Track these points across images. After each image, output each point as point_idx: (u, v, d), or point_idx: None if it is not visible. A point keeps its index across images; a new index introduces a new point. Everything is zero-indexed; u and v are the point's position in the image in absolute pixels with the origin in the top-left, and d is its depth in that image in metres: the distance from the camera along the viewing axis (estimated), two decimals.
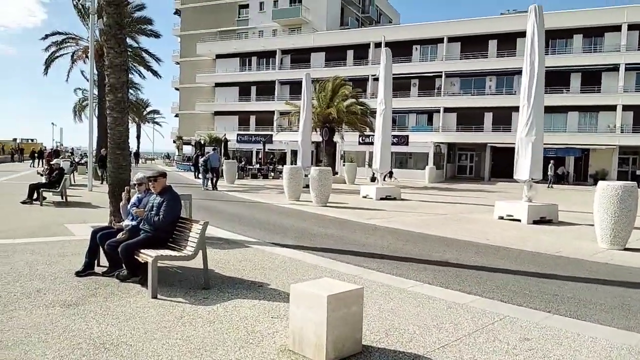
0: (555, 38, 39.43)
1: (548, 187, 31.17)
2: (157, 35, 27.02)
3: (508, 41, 40.41)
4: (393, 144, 38.26)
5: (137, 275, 5.91)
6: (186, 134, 54.87)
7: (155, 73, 28.80)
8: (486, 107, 41.03)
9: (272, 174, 32.72)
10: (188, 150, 53.21)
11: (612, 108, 36.87)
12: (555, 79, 38.99)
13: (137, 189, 6.73)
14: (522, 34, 39.90)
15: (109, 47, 9.50)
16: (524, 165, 13.20)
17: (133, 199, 6.68)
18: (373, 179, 33.42)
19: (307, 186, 19.20)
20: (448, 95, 42.48)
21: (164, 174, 6.39)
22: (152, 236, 5.92)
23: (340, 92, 29.95)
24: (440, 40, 42.50)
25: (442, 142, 41.48)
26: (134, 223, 6.23)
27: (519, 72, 40.48)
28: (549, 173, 32.53)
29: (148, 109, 67.69)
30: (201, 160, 24.41)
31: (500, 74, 41.06)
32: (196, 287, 5.76)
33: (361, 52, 45.71)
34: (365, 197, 18.89)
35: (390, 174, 32.15)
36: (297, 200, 17.32)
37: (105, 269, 6.21)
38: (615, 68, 36.69)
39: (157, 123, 70.19)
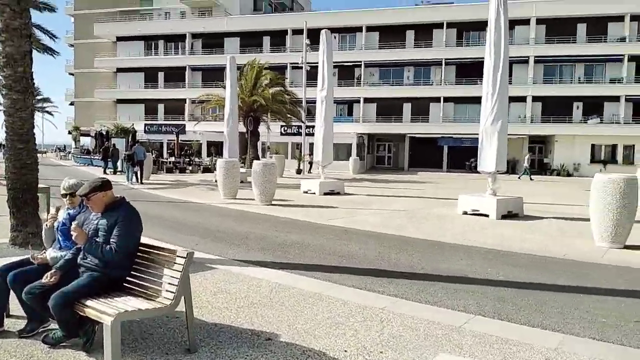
0: (468, 30, 40.43)
1: (519, 178, 31.65)
2: (51, 8, 23.08)
3: (425, 32, 40.74)
4: (313, 134, 37.26)
5: (77, 336, 3.83)
6: (84, 124, 49.47)
7: (51, 51, 24.70)
8: (405, 98, 41.16)
9: (190, 167, 29.95)
10: (87, 142, 48.02)
11: (523, 99, 38.53)
12: (472, 71, 40.08)
13: (66, 201, 4.58)
14: (438, 25, 40.73)
15: (3, 4, 6.98)
16: (489, 156, 12.38)
17: (60, 217, 4.53)
18: (299, 172, 31.95)
19: (241, 182, 17.28)
20: (368, 86, 42.02)
21: (106, 184, 4.26)
22: (100, 276, 3.87)
23: (264, 79, 27.94)
24: (359, 29, 41.82)
25: (363, 133, 41.02)
26: (64, 254, 4.13)
27: (435, 63, 41.25)
28: (525, 165, 33.11)
29: (38, 97, 60.23)
30: (125, 153, 21.57)
31: (418, 65, 41.35)
32: (176, 351, 3.83)
33: (278, 38, 43.77)
34: (307, 192, 17.30)
35: (310, 164, 30.88)
36: (234, 198, 15.29)
37: (19, 322, 4.03)
38: (525, 60, 38.31)
39: (49, 112, 62.88)
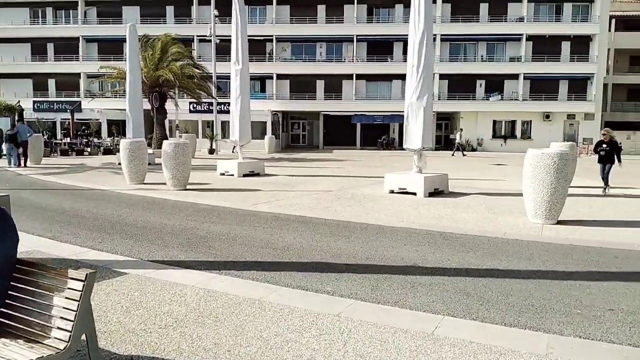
0: (378, 7, 40.45)
1: (453, 155, 31.68)
2: None
3: (336, 7, 40.11)
4: (225, 112, 35.53)
5: None
6: None
7: None
8: (318, 75, 40.49)
9: (89, 149, 27.15)
10: None
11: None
12: (383, 48, 40.28)
13: None
14: (349, 1, 40.29)
15: None
16: (415, 132, 12.03)
17: None
18: (211, 151, 30.31)
19: (149, 164, 15.71)
20: (280, 61, 40.75)
21: None
22: None
23: (172, 52, 25.77)
24: (269, 1, 40.20)
25: (278, 111, 39.93)
26: None
27: (347, 39, 40.89)
28: (457, 141, 33.07)
29: None
30: (6, 133, 18.90)
31: (330, 41, 40.74)
32: None
33: (183, 9, 40.89)
34: (224, 174, 16.09)
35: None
36: (142, 183, 13.75)
37: None
38: (433, 38, 39.10)
39: None
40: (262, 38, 39.36)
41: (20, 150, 18.63)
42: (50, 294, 2.81)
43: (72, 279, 2.77)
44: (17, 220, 7.72)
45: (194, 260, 5.97)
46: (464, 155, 31.77)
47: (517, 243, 7.09)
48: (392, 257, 6.17)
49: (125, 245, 6.69)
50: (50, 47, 42.01)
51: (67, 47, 41.45)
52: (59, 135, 34.85)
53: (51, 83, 42.19)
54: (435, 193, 11.92)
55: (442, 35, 38.70)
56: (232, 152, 28.51)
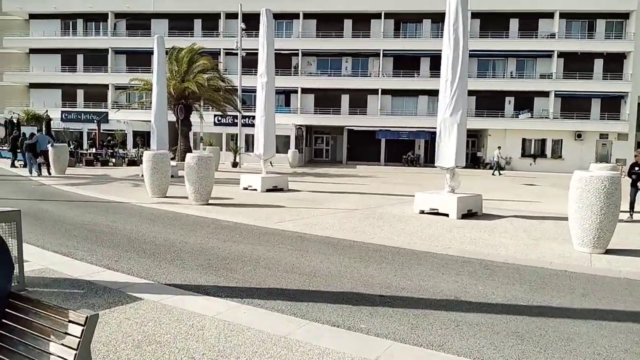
0: (405, 21, 40.08)
1: (493, 174, 31.09)
2: None
3: (363, 21, 39.92)
4: (250, 125, 35.42)
5: None
6: None
7: None
8: (343, 89, 40.19)
9: (114, 160, 27.22)
10: None
11: None
12: (409, 63, 39.82)
13: None
14: (376, 15, 40.02)
15: None
16: (448, 150, 11.47)
17: None
18: (235, 165, 30.12)
19: (172, 176, 15.48)
20: (305, 75, 40.62)
21: None
22: None
23: (199, 64, 25.76)
24: (296, 15, 40.25)
25: (301, 125, 39.70)
26: None
27: (373, 54, 40.56)
28: (495, 160, 32.36)
29: None
30: (25, 142, 19.08)
31: (355, 55, 40.47)
32: None
33: (210, 22, 41.25)
34: (247, 188, 15.72)
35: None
36: (163, 196, 13.45)
37: None
38: None
39: None
40: (287, 52, 39.34)
41: (40, 159, 18.72)
42: (45, 337, 2.36)
43: (70, 322, 2.33)
44: (34, 233, 7.43)
45: (214, 285, 5.52)
46: (500, 174, 30.87)
47: (567, 275, 6.45)
48: (430, 289, 5.61)
49: (142, 266, 6.29)
50: (79, 58, 42.78)
51: (96, 59, 42.15)
52: (85, 146, 35.18)
53: (80, 94, 42.87)
54: (468, 215, 11.30)
55: (470, 50, 37.97)
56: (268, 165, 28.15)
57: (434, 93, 39.42)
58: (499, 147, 34.04)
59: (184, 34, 39.67)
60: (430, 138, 40.01)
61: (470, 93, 38.64)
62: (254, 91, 37.60)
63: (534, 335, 4.25)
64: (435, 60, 39.59)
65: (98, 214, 10.39)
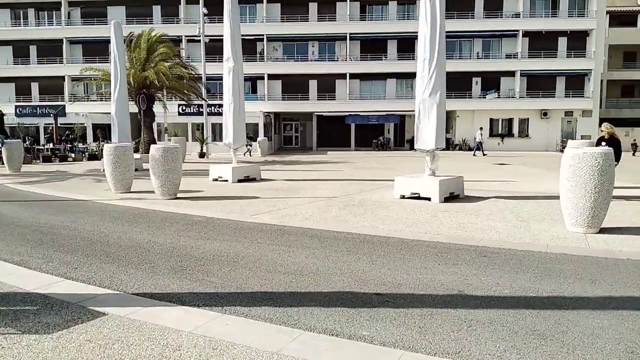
0: (371, 4, 39.51)
1: (474, 154, 30.99)
2: None
3: (328, 5, 39.16)
4: (215, 114, 34.36)
5: None
6: None
7: None
8: (311, 75, 39.50)
9: (73, 155, 25.85)
10: None
11: None
12: (374, 46, 39.33)
13: None
14: None
15: None
16: (428, 132, 11.03)
17: None
18: (202, 155, 29.14)
19: (136, 169, 14.63)
20: (271, 61, 39.69)
21: None
22: None
23: (160, 51, 24.55)
24: (260, 0, 39.14)
25: (270, 112, 38.84)
26: None
27: (340, 37, 39.85)
28: (477, 140, 32.12)
29: None
30: None
31: (322, 40, 39.76)
32: None
33: (170, 8, 39.71)
34: (217, 179, 14.99)
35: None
36: (128, 191, 12.59)
37: None
38: None
39: None
40: (252, 37, 38.26)
41: None
42: None
43: None
44: None
45: (190, 292, 4.88)
46: (484, 154, 30.92)
47: (568, 259, 6.07)
48: (430, 283, 5.12)
49: (106, 272, 5.57)
50: (33, 49, 40.59)
51: (50, 50, 40.07)
52: (42, 141, 33.44)
53: (34, 87, 40.74)
54: (450, 198, 10.93)
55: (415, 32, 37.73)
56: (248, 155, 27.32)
57: (402, 76, 39.20)
58: (481, 128, 34.12)
59: (143, 21, 38.04)
60: (400, 121, 39.85)
61: None
62: (219, 79, 36.50)
63: (555, 332, 3.81)
64: (403, 43, 39.37)
65: (55, 214, 9.52)
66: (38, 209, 10.27)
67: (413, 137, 38.42)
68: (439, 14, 10.88)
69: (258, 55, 39.50)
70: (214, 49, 33.25)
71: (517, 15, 38.29)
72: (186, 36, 37.70)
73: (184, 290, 4.93)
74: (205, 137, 29.94)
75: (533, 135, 39.01)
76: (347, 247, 6.71)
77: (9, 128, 33.00)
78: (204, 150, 29.24)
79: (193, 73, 26.94)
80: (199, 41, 31.63)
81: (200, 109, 32.05)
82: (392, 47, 39.21)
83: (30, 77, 40.27)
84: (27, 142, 27.45)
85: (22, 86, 40.63)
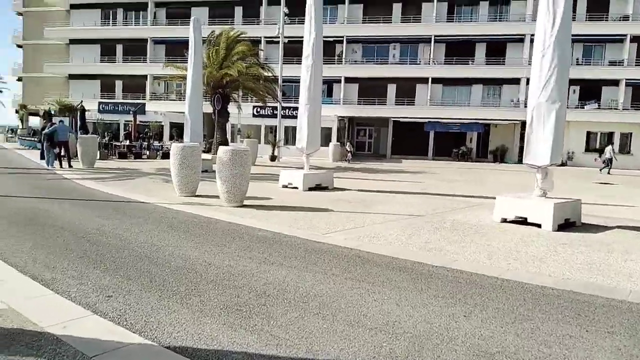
0: (460, 5, 37.18)
1: (600, 171, 27.99)
2: None
3: (413, 5, 37.29)
4: (289, 117, 33.57)
5: None
6: (33, 102, 44.32)
7: None
8: (390, 78, 37.80)
9: (147, 152, 25.93)
10: (36, 122, 43.09)
11: (516, 81, 35.69)
12: (461, 49, 36.95)
13: None
14: None
15: None
16: (542, 143, 9.11)
17: None
18: (273, 158, 28.35)
19: (205, 171, 13.78)
20: (349, 64, 38.41)
21: None
22: None
23: (237, 50, 24.00)
24: (342, 0, 38.01)
25: (344, 116, 37.56)
26: None
27: (424, 40, 37.79)
28: (607, 157, 28.38)
29: None
30: (44, 133, 18.05)
31: (404, 42, 37.94)
32: None
33: (251, 10, 39.62)
34: (287, 186, 13.81)
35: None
36: (193, 195, 11.68)
37: None
38: (520, 39, 35.35)
39: None
40: (331, 39, 37.14)
41: (57, 150, 17.56)
42: None
43: None
44: (23, 247, 5.61)
45: (243, 352, 3.52)
46: (609, 173, 27.51)
47: None
48: None
49: (143, 307, 4.37)
50: (119, 48, 42.09)
51: (135, 49, 41.31)
52: (120, 138, 34.29)
53: (118, 84, 42.20)
54: (565, 225, 8.95)
55: (532, 35, 34.77)
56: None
57: (489, 82, 36.51)
58: (612, 143, 30.64)
59: (224, 22, 38.16)
60: (484, 131, 37.13)
61: (508, 81, 35.68)
62: (295, 81, 35.80)
63: None
64: (493, 47, 36.65)
65: (109, 218, 8.64)
66: (94, 211, 9.48)
67: (497, 149, 35.66)
68: (563, 7, 8.93)
69: (336, 58, 38.39)
70: (292, 50, 32.53)
71: (625, 18, 34.40)
72: (265, 37, 37.38)
73: (236, 348, 3.59)
74: (277, 140, 29.15)
75: (636, 152, 34.85)
76: (451, 292, 5.10)
77: (91, 123, 34.18)
78: (276, 154, 28.43)
79: (270, 74, 26.20)
80: (277, 43, 31.04)
81: (275, 111, 31.39)
82: (480, 51, 36.64)
83: (115, 75, 41.76)
84: (105, 138, 28.02)
85: (107, 83, 42.23)
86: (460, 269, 6.03)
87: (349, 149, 31.36)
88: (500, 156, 36.34)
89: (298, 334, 3.90)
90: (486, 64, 36.08)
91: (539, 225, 8.79)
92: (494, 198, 9.88)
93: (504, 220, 9.29)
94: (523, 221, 9.05)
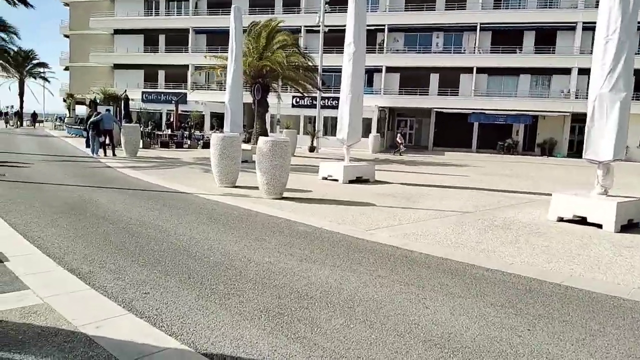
0: None
1: None
2: None
3: None
4: (328, 107, 33.19)
5: None
6: (79, 91, 45.59)
7: (23, 2, 20.74)
8: (432, 68, 36.76)
9: (189, 141, 26.13)
10: (82, 111, 44.32)
11: (567, 71, 34.03)
12: (508, 38, 35.53)
13: None
14: None
15: None
16: (604, 137, 8.41)
17: None
18: (312, 149, 28.07)
19: (245, 161, 13.63)
20: (391, 53, 37.60)
21: None
22: None
23: (278, 39, 23.76)
24: None
25: (384, 107, 36.85)
26: None
27: (469, 28, 36.51)
28: None
29: (34, 62, 56.15)
30: (90, 121, 18.39)
31: (448, 30, 36.79)
32: None
33: None
34: (326, 178, 13.49)
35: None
36: (232, 186, 11.53)
37: None
38: (571, 27, 33.62)
39: (45, 79, 58.68)
40: (372, 28, 36.35)
41: (102, 138, 17.87)
42: None
43: None
44: (65, 237, 5.52)
45: None
46: None
47: None
48: None
49: (181, 306, 4.15)
50: (161, 38, 42.64)
51: (177, 39, 41.77)
52: (163, 127, 34.79)
53: (161, 74, 42.82)
54: (628, 226, 8.27)
55: (584, 22, 33.06)
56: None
57: (538, 71, 34.98)
58: None
59: (265, 11, 38.01)
60: (531, 122, 35.67)
61: (582, 71, 33.82)
62: (334, 71, 35.33)
63: None
64: (541, 35, 35.04)
65: (150, 209, 8.54)
66: (135, 200, 9.43)
67: (545, 142, 34.03)
68: None
69: (377, 47, 37.62)
70: (332, 40, 32.10)
71: None
72: (305, 26, 37.02)
73: (279, 356, 3.30)
74: (316, 131, 28.85)
75: None
76: (510, 300, 4.66)
77: (134, 112, 34.81)
78: (314, 144, 28.13)
79: (310, 63, 25.85)
80: (316, 32, 30.64)
81: (314, 102, 31.07)
82: (528, 39, 35.11)
83: (157, 64, 42.37)
84: (148, 128, 28.42)
85: (150, 73, 42.92)
86: (517, 273, 5.56)
87: (400, 141, 30.38)
88: (548, 150, 34.85)
89: (344, 344, 3.57)
90: (535, 53, 34.56)
91: (599, 226, 8.15)
92: (546, 194, 9.31)
93: (560, 219, 8.68)
94: (581, 221, 8.43)
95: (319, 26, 29.14)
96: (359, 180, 13.36)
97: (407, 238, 7.04)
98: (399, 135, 32.16)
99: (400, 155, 28.50)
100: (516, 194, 12.48)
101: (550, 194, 9.28)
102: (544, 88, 35.38)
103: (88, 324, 3.74)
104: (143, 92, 39.59)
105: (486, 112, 35.28)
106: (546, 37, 34.43)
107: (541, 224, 8.49)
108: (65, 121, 42.53)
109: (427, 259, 5.99)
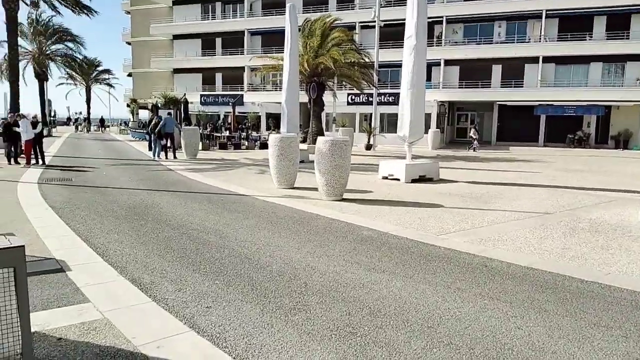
0: None
1: None
2: None
3: None
4: (384, 103, 32.45)
5: None
6: (142, 95, 47.25)
7: (88, 10, 21.54)
8: (494, 59, 35.04)
9: (246, 142, 26.28)
10: (145, 115, 45.89)
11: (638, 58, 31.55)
12: (576, 24, 33.35)
13: None
14: None
15: None
16: None
17: None
18: (368, 147, 27.49)
19: (302, 161, 13.35)
20: (450, 45, 36.27)
21: None
22: None
23: (333, 36, 23.38)
24: None
25: (444, 101, 35.63)
26: None
27: (534, 15, 34.50)
28: None
29: (99, 69, 59.05)
30: (152, 124, 18.81)
31: (511, 19, 34.94)
32: None
33: None
34: (387, 177, 12.95)
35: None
36: (291, 187, 11.26)
37: None
38: None
39: (110, 85, 61.51)
40: (430, 20, 35.14)
41: (164, 141, 18.18)
42: None
43: None
44: (127, 244, 5.27)
45: None
46: None
47: None
48: None
49: (244, 322, 3.84)
50: (218, 42, 43.35)
51: (233, 41, 42.32)
52: (222, 129, 35.33)
53: (218, 77, 43.56)
54: None
55: (635, 5, 30.43)
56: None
57: (610, 59, 32.61)
58: None
59: (319, 9, 37.71)
60: (604, 114, 33.32)
61: (634, 57, 31.35)
62: (389, 66, 34.54)
63: None
64: (613, 20, 32.63)
65: (211, 213, 8.39)
66: (196, 204, 9.33)
67: (619, 134, 31.68)
68: None
69: (435, 39, 36.38)
70: (388, 35, 31.35)
71: None
72: (360, 22, 36.38)
73: None
74: (373, 128, 28.24)
75: None
76: (615, 319, 4.02)
77: (195, 116, 35.64)
78: (371, 142, 27.54)
79: (366, 59, 25.30)
80: (372, 27, 29.93)
81: (369, 99, 30.43)
82: (599, 25, 32.77)
83: (214, 67, 43.14)
84: (207, 130, 28.88)
85: (207, 76, 43.78)
86: (617, 285, 4.87)
87: (474, 136, 29.08)
88: (623, 142, 32.41)
89: None
90: (607, 39, 32.20)
91: None
92: (632, 192, 8.33)
93: None
94: None
95: (375, 21, 28.48)
96: (422, 179, 12.74)
97: (484, 244, 6.44)
98: (472, 129, 30.82)
99: (474, 151, 27.30)
100: (595, 191, 11.42)
101: (638, 192, 8.34)
102: (617, 76, 32.91)
103: (148, 343, 3.50)
104: (201, 95, 40.40)
105: (554, 103, 33.26)
106: (619, 22, 31.96)
107: (632, 226, 7.60)
108: (129, 125, 44.20)
109: (510, 269, 5.39)
